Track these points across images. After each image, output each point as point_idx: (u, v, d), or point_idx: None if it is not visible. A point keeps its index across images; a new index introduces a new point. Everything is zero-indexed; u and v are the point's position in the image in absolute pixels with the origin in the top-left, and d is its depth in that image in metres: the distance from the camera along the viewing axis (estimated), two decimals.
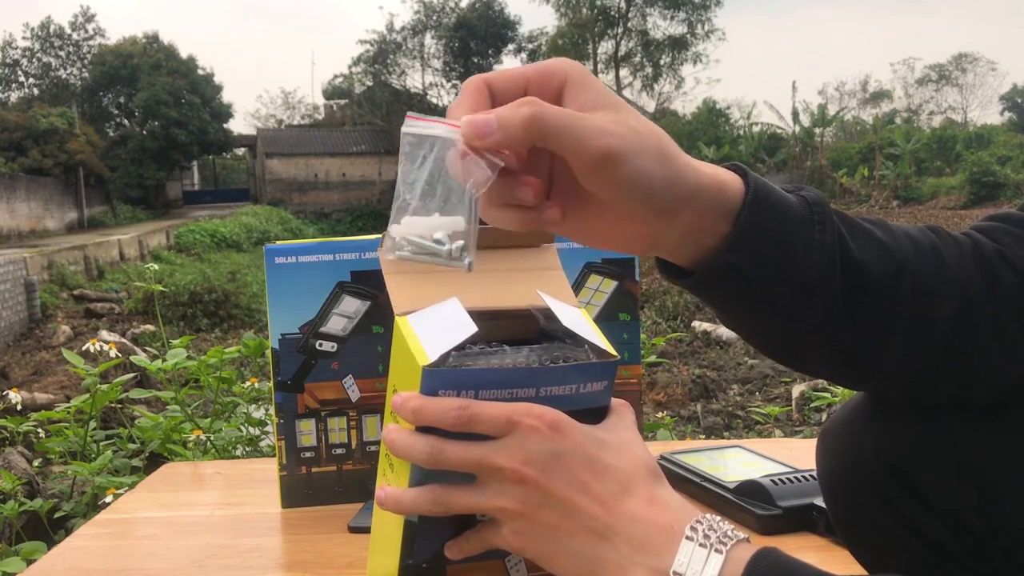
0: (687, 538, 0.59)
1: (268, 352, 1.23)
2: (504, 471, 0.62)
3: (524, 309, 0.73)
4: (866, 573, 0.84)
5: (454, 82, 35.75)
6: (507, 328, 0.73)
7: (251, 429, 2.23)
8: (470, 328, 0.66)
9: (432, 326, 0.68)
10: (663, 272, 0.68)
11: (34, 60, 37.06)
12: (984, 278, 0.68)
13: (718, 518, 0.60)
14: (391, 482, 0.70)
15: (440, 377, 0.64)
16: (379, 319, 1.18)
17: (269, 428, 2.14)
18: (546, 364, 0.67)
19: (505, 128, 0.57)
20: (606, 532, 0.61)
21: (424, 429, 0.64)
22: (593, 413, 0.67)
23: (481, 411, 0.63)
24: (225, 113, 35.52)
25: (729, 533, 0.59)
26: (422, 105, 35.09)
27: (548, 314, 0.73)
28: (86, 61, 36.61)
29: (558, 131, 0.57)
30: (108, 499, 1.75)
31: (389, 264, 0.75)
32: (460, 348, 0.66)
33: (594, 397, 0.68)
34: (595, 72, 38.96)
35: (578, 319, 0.72)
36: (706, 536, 0.59)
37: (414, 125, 0.59)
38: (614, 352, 0.69)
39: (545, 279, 0.77)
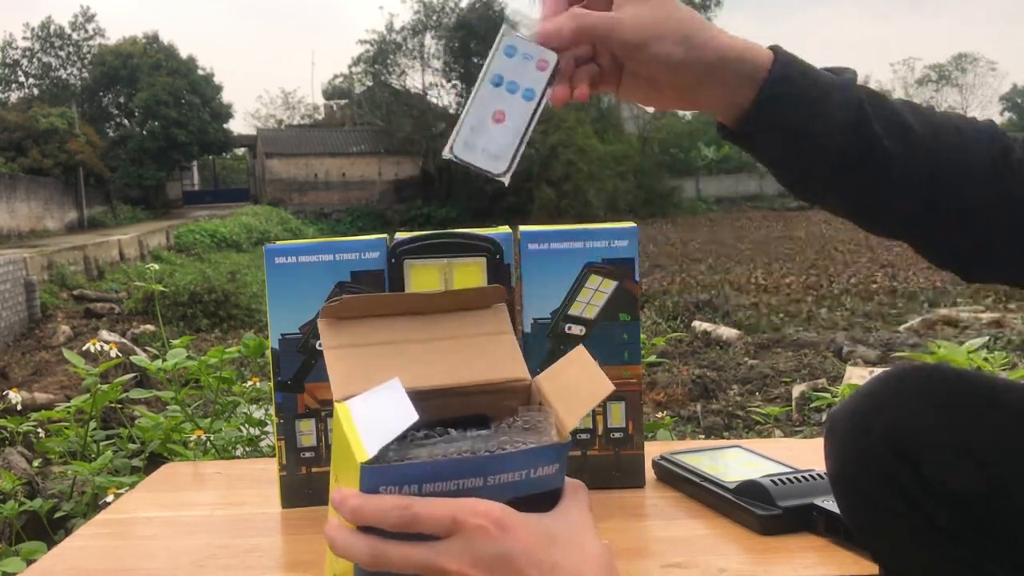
0: None
1: (268, 352, 1.23)
2: (450, 574, 0.61)
3: (474, 385, 0.70)
4: None
5: (454, 82, 35.72)
6: (456, 406, 0.69)
7: (251, 429, 2.23)
8: (410, 416, 0.62)
9: (372, 414, 0.64)
10: (719, 132, 0.79)
11: (34, 60, 37.05)
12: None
13: None
14: (338, 573, 0.68)
15: (380, 475, 0.61)
16: None
17: (269, 428, 2.13)
18: (493, 452, 0.64)
19: (560, 38, 0.73)
20: None
21: (367, 527, 0.62)
22: (545, 497, 0.65)
23: (423, 511, 0.60)
24: (225, 113, 35.53)
25: None
26: (422, 105, 35.09)
27: (510, 387, 0.70)
28: (86, 61, 36.61)
29: (597, 34, 0.73)
30: (108, 499, 1.75)
31: (330, 338, 0.72)
32: (402, 437, 0.63)
33: (546, 481, 0.65)
34: None
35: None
36: None
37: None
38: (566, 433, 0.66)
39: (494, 345, 0.74)
